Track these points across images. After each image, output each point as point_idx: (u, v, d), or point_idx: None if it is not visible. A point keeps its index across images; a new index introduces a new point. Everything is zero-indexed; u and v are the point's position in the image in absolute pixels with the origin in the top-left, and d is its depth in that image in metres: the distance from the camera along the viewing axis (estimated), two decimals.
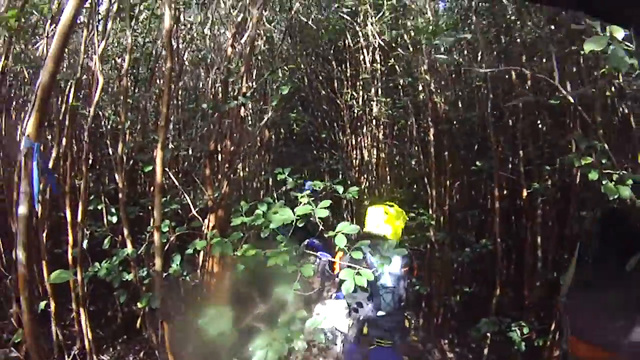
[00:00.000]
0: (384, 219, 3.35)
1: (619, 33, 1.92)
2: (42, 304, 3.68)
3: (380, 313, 3.15)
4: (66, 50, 3.98)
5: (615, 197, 2.64)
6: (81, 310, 3.41)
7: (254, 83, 5.75)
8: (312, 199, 4.49)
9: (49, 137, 4.76)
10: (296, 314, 2.70)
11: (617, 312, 0.89)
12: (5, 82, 4.36)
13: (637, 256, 0.92)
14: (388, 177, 6.73)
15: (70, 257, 3.48)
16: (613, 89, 3.92)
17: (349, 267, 2.58)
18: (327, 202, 2.81)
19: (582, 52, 3.41)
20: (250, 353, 2.45)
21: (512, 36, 4.95)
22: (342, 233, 2.59)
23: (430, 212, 5.62)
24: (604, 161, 2.88)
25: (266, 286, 3.55)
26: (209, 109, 4.22)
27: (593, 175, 2.77)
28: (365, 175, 6.80)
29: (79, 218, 3.34)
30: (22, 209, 1.70)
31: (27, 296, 1.72)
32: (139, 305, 3.21)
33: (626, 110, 4.12)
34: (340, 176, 7.32)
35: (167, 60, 2.89)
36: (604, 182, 2.70)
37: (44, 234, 3.73)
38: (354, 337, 3.19)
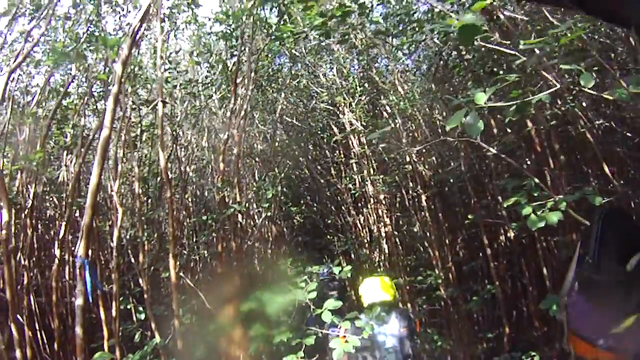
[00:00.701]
0: (381, 287, 3.95)
1: (482, 99, 2.32)
2: None
3: None
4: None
5: (542, 224, 3.00)
6: None
7: (254, 183, 6.65)
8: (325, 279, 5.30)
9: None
10: None
11: (618, 312, 0.91)
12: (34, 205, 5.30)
13: (637, 256, 0.94)
14: (400, 248, 7.27)
15: (106, 348, 4.13)
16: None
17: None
18: (314, 285, 3.57)
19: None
20: None
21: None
22: (328, 310, 3.36)
23: (437, 271, 6.17)
24: (535, 194, 3.25)
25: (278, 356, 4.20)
26: (208, 219, 5.09)
27: (527, 210, 3.12)
28: (378, 251, 7.36)
29: (114, 314, 4.09)
30: (79, 301, 2.62)
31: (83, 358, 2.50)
32: None
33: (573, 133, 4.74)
34: (352, 255, 7.95)
35: (167, 190, 3.80)
36: (534, 215, 3.04)
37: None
38: None
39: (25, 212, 4.91)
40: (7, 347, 3.77)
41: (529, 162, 5.19)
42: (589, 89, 2.49)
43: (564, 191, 3.80)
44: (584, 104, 4.48)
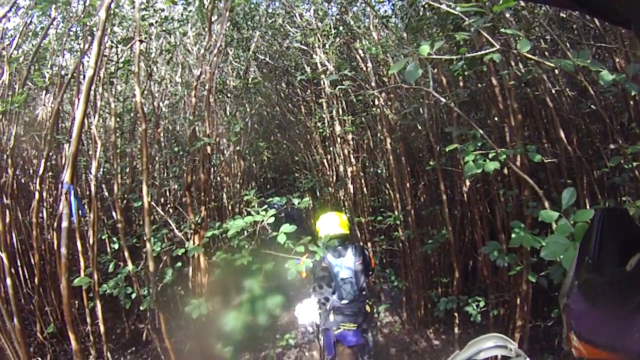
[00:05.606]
0: (338, 223, 4.46)
1: (425, 51, 2.58)
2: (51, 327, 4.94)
3: (343, 302, 4.18)
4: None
5: (478, 171, 3.29)
6: (98, 304, 4.47)
7: (226, 118, 6.99)
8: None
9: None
10: (257, 295, 3.92)
11: (618, 312, 0.86)
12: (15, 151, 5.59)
13: (637, 256, 0.86)
14: (364, 188, 7.74)
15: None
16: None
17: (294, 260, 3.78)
18: (273, 212, 3.95)
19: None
20: (225, 324, 3.72)
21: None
22: (284, 232, 3.72)
23: (397, 213, 6.63)
24: (479, 144, 3.60)
25: (241, 281, 4.68)
26: (179, 152, 5.43)
27: (469, 157, 3.37)
28: (343, 189, 7.78)
29: (91, 242, 4.50)
30: (64, 224, 2.92)
31: (67, 278, 2.93)
32: (141, 307, 4.41)
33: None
34: (318, 193, 8.43)
35: (142, 123, 4.14)
36: (473, 162, 3.31)
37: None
38: (324, 324, 4.26)
39: (8, 153, 5.08)
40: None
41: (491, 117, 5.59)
42: (530, 54, 2.83)
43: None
44: (556, 71, 4.87)
